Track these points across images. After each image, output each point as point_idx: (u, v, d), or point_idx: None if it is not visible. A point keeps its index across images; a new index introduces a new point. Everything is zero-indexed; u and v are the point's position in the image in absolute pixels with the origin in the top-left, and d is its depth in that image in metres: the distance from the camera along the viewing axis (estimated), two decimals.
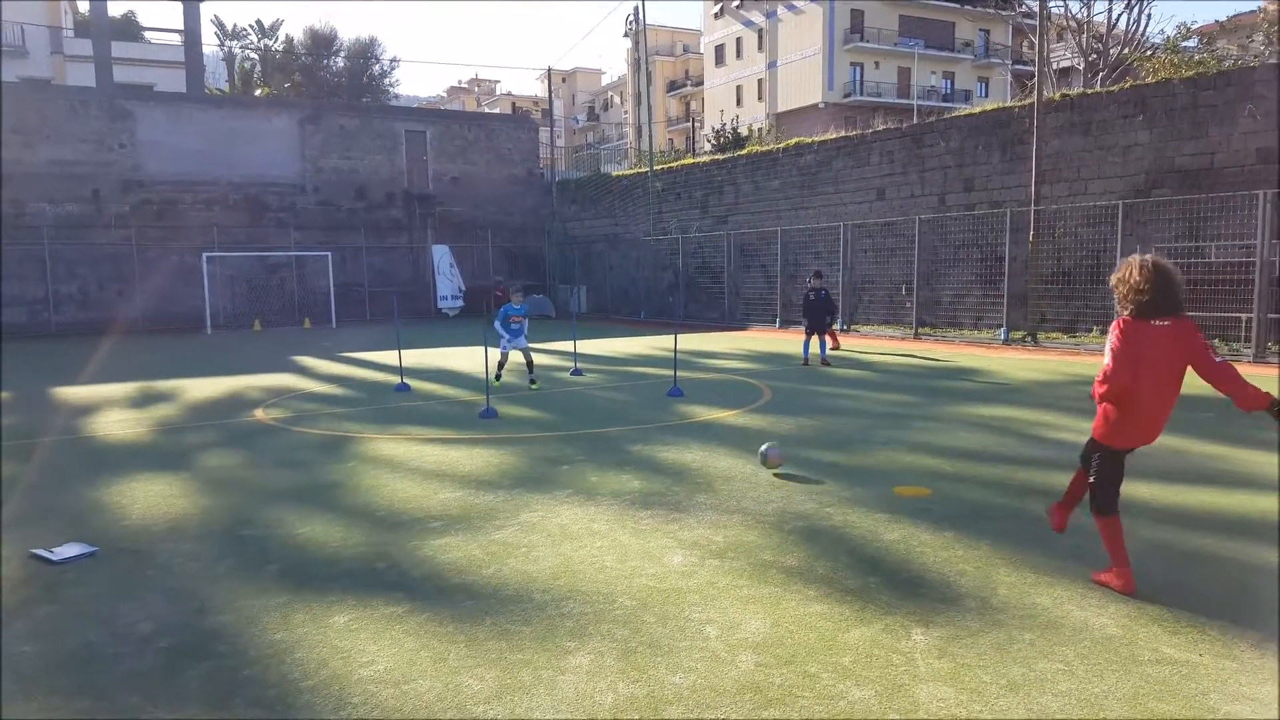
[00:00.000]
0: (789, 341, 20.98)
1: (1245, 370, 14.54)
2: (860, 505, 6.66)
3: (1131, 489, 6.96)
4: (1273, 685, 3.72)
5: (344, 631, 4.46)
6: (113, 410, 12.37)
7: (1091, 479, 4.89)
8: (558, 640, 4.29)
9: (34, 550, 5.81)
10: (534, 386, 13.56)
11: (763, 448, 7.81)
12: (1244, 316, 16.60)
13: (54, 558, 5.65)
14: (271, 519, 6.61)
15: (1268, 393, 4.35)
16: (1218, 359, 4.49)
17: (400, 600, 4.87)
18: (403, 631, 4.45)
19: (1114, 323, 4.68)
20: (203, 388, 14.77)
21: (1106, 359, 4.57)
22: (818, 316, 16.43)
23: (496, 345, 13.67)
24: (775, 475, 7.65)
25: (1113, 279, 4.78)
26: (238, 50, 55.53)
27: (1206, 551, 5.48)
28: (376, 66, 52.01)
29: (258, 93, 49.46)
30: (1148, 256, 4.68)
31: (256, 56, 54.76)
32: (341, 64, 50.71)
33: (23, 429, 10.87)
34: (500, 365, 13.88)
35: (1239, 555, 5.40)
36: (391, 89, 53.82)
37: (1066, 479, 7.28)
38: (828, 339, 17.07)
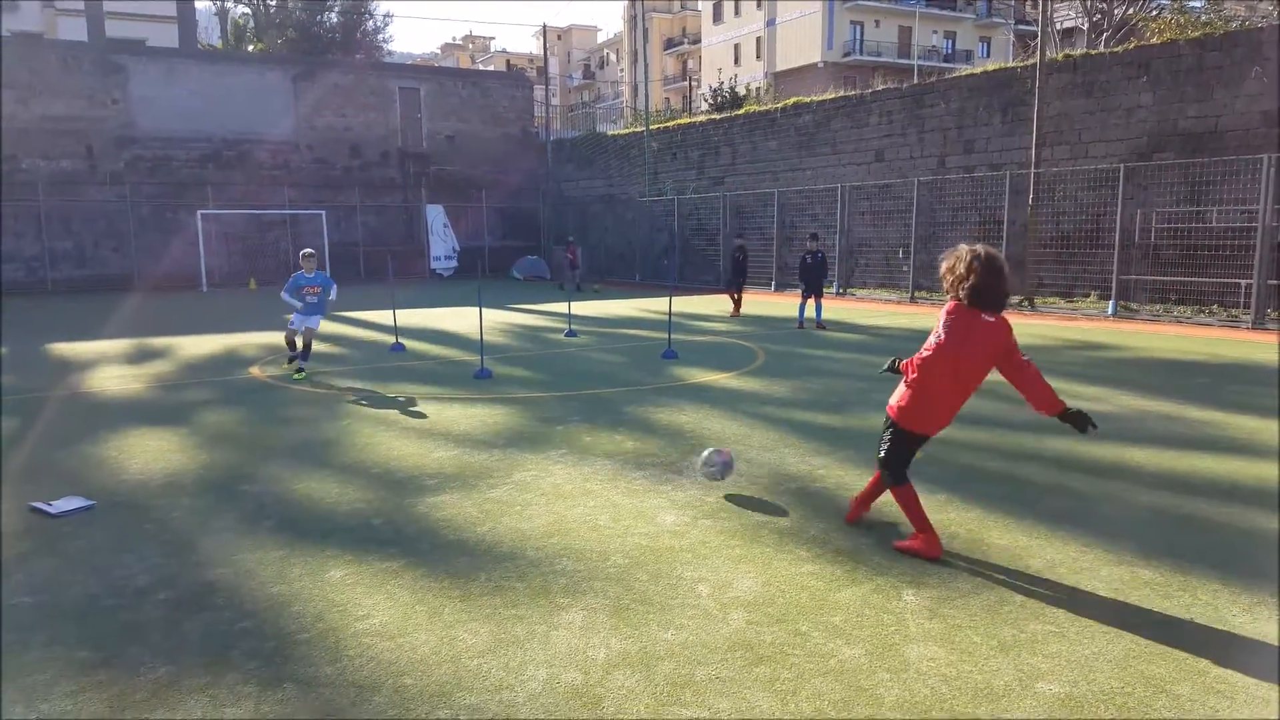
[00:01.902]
0: (784, 304, 20.95)
1: (1243, 337, 14.60)
2: (853, 467, 6.69)
3: (1126, 454, 7.01)
4: (1265, 649, 3.76)
5: (340, 585, 4.49)
6: (110, 366, 12.35)
7: (882, 453, 4.91)
8: (551, 596, 4.33)
9: (32, 503, 5.83)
10: (298, 376, 11.00)
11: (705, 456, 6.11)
12: (1244, 283, 16.59)
13: (52, 510, 5.68)
14: (268, 475, 6.63)
15: (1062, 401, 4.50)
16: (1025, 358, 4.59)
17: (396, 556, 4.90)
18: (398, 586, 4.48)
19: (947, 306, 4.58)
20: (199, 345, 14.74)
21: (931, 341, 4.52)
22: (814, 279, 16.42)
23: (290, 317, 11.42)
24: (768, 437, 7.68)
25: (942, 268, 4.64)
26: (230, 5, 54.69)
27: (1200, 516, 5.52)
28: (370, 22, 51.22)
29: (250, 48, 48.75)
30: (979, 247, 4.54)
31: (249, 11, 53.97)
32: (335, 19, 49.90)
33: (20, 385, 10.85)
34: (293, 350, 11.32)
35: (1232, 520, 5.44)
36: (385, 45, 53.01)
37: (1059, 443, 7.35)
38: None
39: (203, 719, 3.26)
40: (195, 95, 32.31)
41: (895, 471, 4.89)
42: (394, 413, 8.95)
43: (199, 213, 30.02)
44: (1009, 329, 4.56)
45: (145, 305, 23.62)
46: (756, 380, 10.74)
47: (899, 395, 4.82)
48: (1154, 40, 20.53)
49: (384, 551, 4.97)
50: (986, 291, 4.44)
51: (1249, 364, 11.74)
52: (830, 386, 10.27)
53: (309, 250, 11.60)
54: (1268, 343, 13.81)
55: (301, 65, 35.47)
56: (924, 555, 4.76)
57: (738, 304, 19.46)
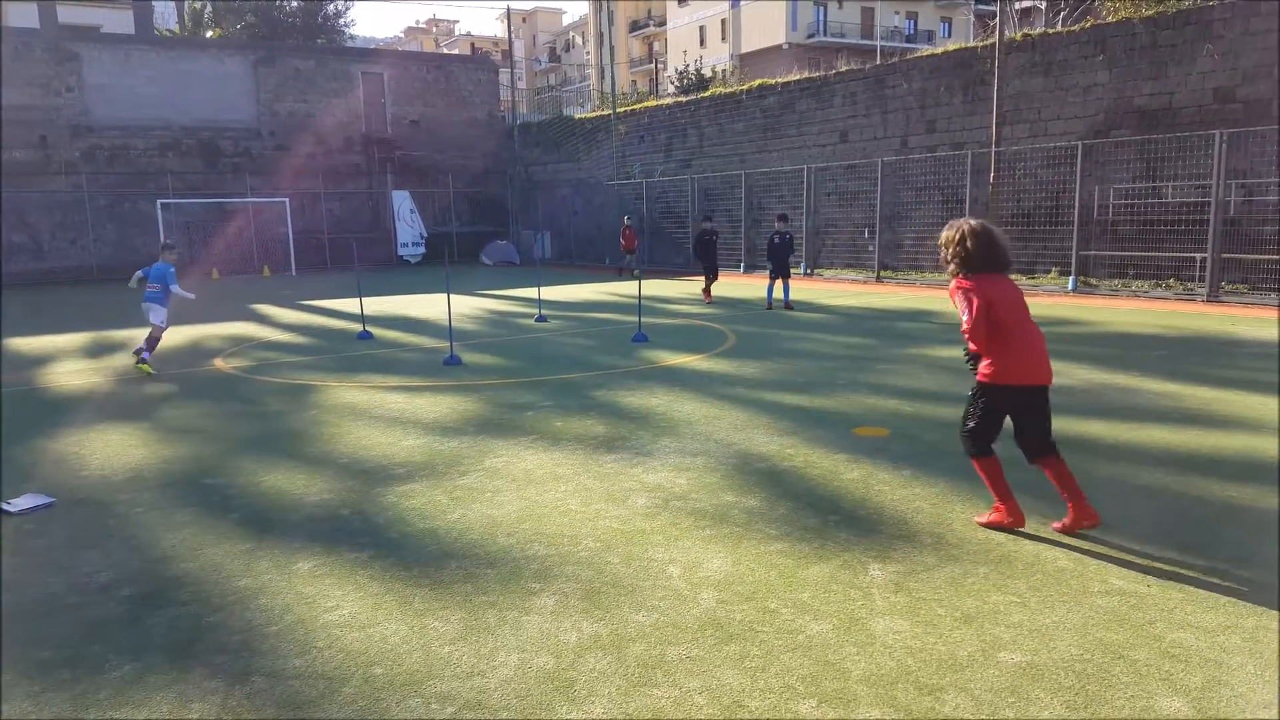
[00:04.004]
0: (753, 286, 21.02)
1: (1199, 309, 14.86)
2: (821, 446, 6.75)
3: (1085, 427, 7.13)
4: (1217, 613, 3.86)
5: (308, 577, 4.47)
6: (68, 360, 12.15)
7: (973, 424, 4.87)
8: (522, 582, 4.34)
9: None
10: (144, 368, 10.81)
11: None
12: (1199, 256, 16.87)
13: (11, 509, 5.59)
14: (233, 468, 6.57)
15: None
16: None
17: (365, 546, 4.88)
18: (368, 576, 4.47)
19: (954, 285, 4.80)
20: (161, 337, 14.49)
21: (964, 317, 4.72)
22: (782, 260, 16.48)
23: (155, 318, 11.03)
24: (737, 418, 7.72)
25: (944, 238, 4.87)
26: None
27: (1157, 486, 5.64)
28: (331, 6, 50.48)
29: (209, 34, 47.91)
30: (973, 222, 4.84)
31: None
32: (295, 4, 49.13)
33: None
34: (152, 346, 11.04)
35: (1188, 489, 5.56)
36: (347, 30, 52.28)
37: None
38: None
39: (169, 715, 3.24)
40: (153, 82, 31.67)
41: (981, 444, 4.87)
42: (361, 402, 8.89)
43: (159, 202, 29.53)
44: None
45: (105, 298, 23.23)
46: (726, 362, 10.79)
47: (984, 364, 4.84)
48: (1110, 18, 20.72)
49: (353, 542, 4.96)
50: (987, 257, 4.75)
51: (1204, 336, 11.96)
52: (798, 367, 10.33)
53: (172, 242, 11.93)
54: (1222, 315, 14.08)
55: (262, 51, 34.88)
56: (1009, 526, 4.86)
57: (708, 288, 18.86)
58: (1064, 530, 4.80)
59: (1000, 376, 4.74)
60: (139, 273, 11.23)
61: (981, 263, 4.73)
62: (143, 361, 10.78)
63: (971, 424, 4.88)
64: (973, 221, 4.86)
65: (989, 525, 4.94)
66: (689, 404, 8.37)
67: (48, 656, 3.70)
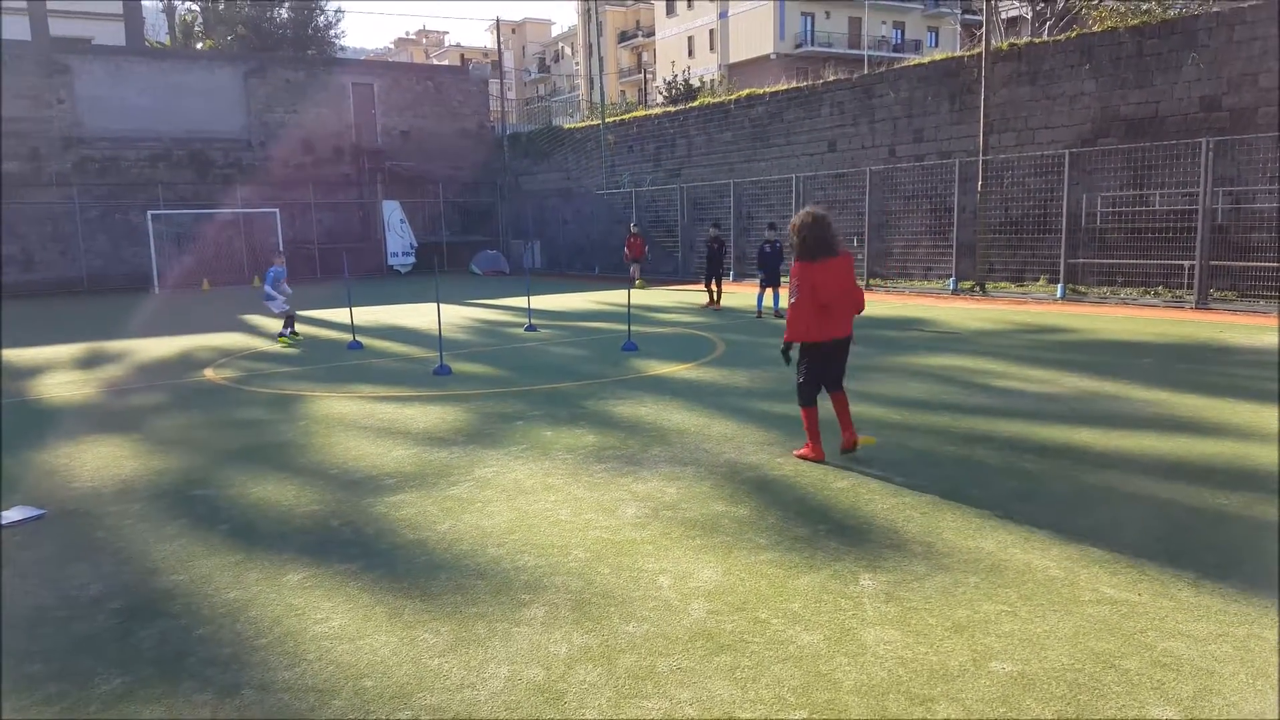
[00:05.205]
0: (742, 294, 21.06)
1: (1187, 316, 14.95)
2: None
3: (1075, 434, 7.16)
4: (1208, 622, 3.87)
5: (298, 589, 4.45)
6: (59, 372, 12.09)
7: (803, 379, 6.43)
8: (512, 593, 4.33)
9: None
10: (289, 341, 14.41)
11: None
12: (1187, 264, 16.97)
13: (1, 521, 5.56)
14: (223, 479, 6.54)
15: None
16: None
17: (355, 557, 4.87)
18: (358, 588, 4.45)
19: (792, 269, 6.27)
20: (151, 348, 14.47)
21: (791, 299, 6.29)
22: (772, 268, 16.52)
23: (274, 307, 14.38)
24: (727, 427, 7.73)
25: (791, 225, 6.29)
26: (178, 2, 53.50)
27: (1146, 494, 5.66)
28: (321, 17, 50.45)
29: (200, 46, 47.89)
30: (805, 212, 6.27)
31: (197, 8, 52.89)
32: (285, 15, 49.10)
33: None
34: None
35: (1176, 497, 5.58)
36: (337, 41, 52.27)
37: (1011, 426, 7.49)
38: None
39: None
40: (144, 94, 31.67)
41: (810, 395, 6.44)
42: (351, 412, 8.87)
43: (149, 213, 29.46)
44: (851, 260, 6.42)
45: (95, 309, 23.15)
46: (716, 370, 10.80)
47: (786, 332, 6.39)
48: (1095, 28, 20.86)
49: (343, 553, 4.94)
50: (815, 245, 6.16)
51: (1193, 343, 12.02)
52: (787, 375, 10.30)
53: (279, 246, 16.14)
54: (1210, 322, 14.16)
55: (252, 62, 34.90)
56: (811, 459, 6.45)
57: (713, 296, 19.05)
58: (841, 450, 6.52)
59: (815, 336, 6.27)
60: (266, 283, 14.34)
61: (814, 247, 6.07)
62: (283, 336, 14.31)
63: (802, 379, 6.43)
64: (815, 211, 6.22)
65: (802, 457, 6.49)
66: (679, 413, 8.37)
67: (36, 670, 3.68)
